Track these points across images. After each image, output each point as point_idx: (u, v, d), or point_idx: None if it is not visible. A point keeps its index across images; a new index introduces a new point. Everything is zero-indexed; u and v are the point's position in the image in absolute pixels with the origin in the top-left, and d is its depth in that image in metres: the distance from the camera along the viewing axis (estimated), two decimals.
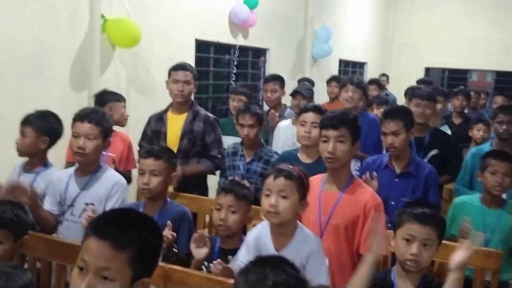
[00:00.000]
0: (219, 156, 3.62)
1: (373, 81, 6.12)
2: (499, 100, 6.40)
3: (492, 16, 9.02)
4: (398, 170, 3.08)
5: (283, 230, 2.09)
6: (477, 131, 4.67)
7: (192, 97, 3.76)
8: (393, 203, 2.90)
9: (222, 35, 5.60)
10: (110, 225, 1.38)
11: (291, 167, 2.13)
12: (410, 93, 4.27)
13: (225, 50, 5.92)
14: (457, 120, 5.54)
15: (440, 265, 2.73)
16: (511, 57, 8.84)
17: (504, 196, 3.28)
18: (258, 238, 2.15)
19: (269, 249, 2.09)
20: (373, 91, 5.72)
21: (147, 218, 1.52)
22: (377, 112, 4.75)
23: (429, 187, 3.04)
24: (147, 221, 1.48)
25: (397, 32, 9.95)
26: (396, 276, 2.01)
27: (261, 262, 1.43)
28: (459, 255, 1.99)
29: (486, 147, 3.81)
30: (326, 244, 2.35)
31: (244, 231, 2.49)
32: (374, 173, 3.00)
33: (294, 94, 4.47)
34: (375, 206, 2.33)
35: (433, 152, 3.73)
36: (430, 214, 1.99)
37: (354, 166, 3.82)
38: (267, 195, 2.06)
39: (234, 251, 2.22)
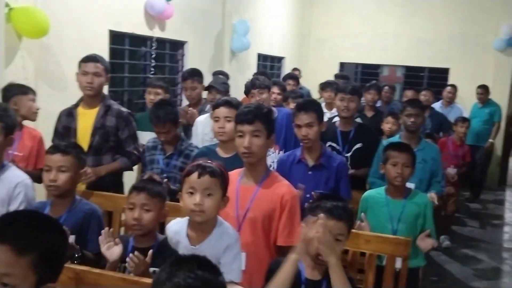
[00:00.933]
0: (135, 152, 3.53)
1: (289, 76, 6.22)
2: (409, 94, 6.74)
3: (401, 13, 9.47)
4: (310, 163, 3.18)
5: (204, 226, 2.08)
6: (386, 124, 4.89)
7: (106, 91, 3.62)
8: (308, 195, 2.98)
9: (138, 27, 5.44)
10: (10, 228, 1.30)
11: (211, 162, 2.11)
12: (335, 87, 4.37)
13: (142, 42, 5.75)
14: (369, 113, 5.78)
15: (353, 254, 2.84)
16: (419, 53, 9.35)
17: (412, 186, 3.48)
18: (175, 233, 2.15)
19: (185, 244, 2.08)
20: (290, 86, 5.82)
21: (51, 219, 1.44)
22: (293, 106, 4.83)
23: (340, 178, 3.15)
24: (50, 222, 1.41)
25: (313, 27, 10.19)
26: (304, 265, 2.05)
27: (175, 261, 1.39)
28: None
29: (396, 139, 4.00)
30: (244, 238, 2.36)
31: (162, 229, 2.43)
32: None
33: (209, 88, 4.44)
34: (291, 199, 2.37)
35: (358, 145, 3.87)
36: (343, 209, 2.05)
37: None
38: (191, 193, 2.03)
39: (147, 250, 2.16)
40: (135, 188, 2.33)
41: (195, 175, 2.03)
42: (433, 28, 9.22)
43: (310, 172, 3.15)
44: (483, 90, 7.81)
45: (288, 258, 1.96)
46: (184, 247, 2.08)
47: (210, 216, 2.05)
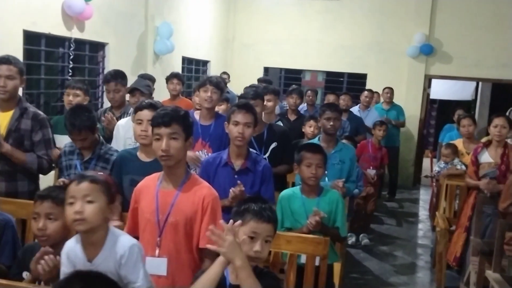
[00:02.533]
0: (46, 158, 3.40)
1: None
2: (331, 98, 6.97)
3: (322, 20, 9.77)
4: (237, 167, 3.19)
5: (93, 238, 1.99)
6: (308, 127, 5.03)
7: (21, 93, 3.46)
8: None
9: (55, 27, 5.22)
10: None
11: (94, 172, 2.04)
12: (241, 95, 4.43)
13: (59, 43, 5.53)
14: (292, 117, 5.92)
15: (275, 254, 2.89)
16: (339, 59, 9.69)
17: (325, 184, 3.61)
18: (70, 251, 2.02)
19: (81, 261, 1.98)
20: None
21: None
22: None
23: (264, 181, 3.20)
24: None
25: (238, 32, 10.28)
26: (230, 270, 2.06)
27: (71, 277, 1.35)
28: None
29: (316, 141, 4.13)
30: (165, 243, 2.33)
31: None
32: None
33: (132, 91, 4.34)
34: (212, 201, 2.37)
35: (273, 145, 3.95)
36: (271, 211, 2.09)
37: None
38: (71, 203, 1.94)
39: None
40: (39, 197, 2.23)
41: (74, 183, 1.96)
42: (352, 36, 9.60)
43: (236, 176, 3.15)
44: (390, 90, 8.29)
45: (217, 259, 1.95)
46: (82, 265, 1.97)
47: (93, 224, 1.94)
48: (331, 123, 4.03)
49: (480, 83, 12.20)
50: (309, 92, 7.26)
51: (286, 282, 2.87)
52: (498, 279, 3.41)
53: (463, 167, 5.11)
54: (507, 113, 7.09)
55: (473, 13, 9.00)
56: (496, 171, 4.24)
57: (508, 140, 4.59)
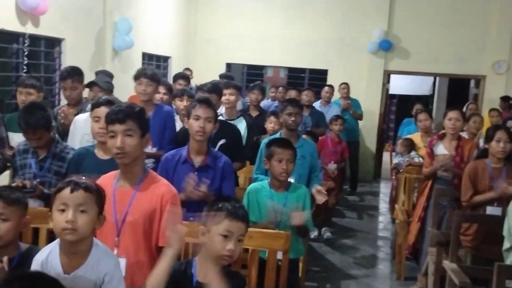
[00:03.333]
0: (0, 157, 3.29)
1: (180, 76, 6.18)
2: (293, 93, 7.01)
3: (285, 16, 9.79)
4: (197, 164, 3.17)
5: (78, 249, 1.91)
6: (269, 123, 5.05)
7: None
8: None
9: (8, 22, 5.04)
10: None
11: (85, 178, 1.97)
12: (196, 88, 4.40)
13: (13, 39, 5.34)
14: (254, 113, 5.92)
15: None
16: (301, 55, 9.75)
17: (292, 180, 3.63)
18: (46, 262, 1.93)
19: (58, 273, 1.89)
20: (180, 86, 5.77)
21: None
22: (180, 104, 4.74)
23: (225, 177, 3.19)
24: None
25: (199, 27, 10.19)
26: (197, 267, 2.05)
27: (11, 279, 1.31)
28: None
29: (277, 136, 4.15)
30: (123, 243, 2.30)
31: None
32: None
33: (90, 85, 4.24)
34: (171, 198, 2.35)
35: (221, 141, 3.93)
36: (245, 211, 2.09)
37: None
38: (63, 210, 1.85)
39: (9, 262, 2.01)
40: None
41: (67, 190, 1.87)
42: (314, 32, 9.66)
43: (196, 173, 3.13)
44: (346, 86, 8.42)
45: (163, 253, 1.95)
46: (57, 276, 1.81)
47: (83, 235, 1.87)
48: (293, 118, 4.05)
49: (437, 78, 12.53)
50: (280, 88, 7.34)
51: (248, 278, 2.87)
52: (454, 268, 3.51)
53: (421, 160, 5.24)
54: (464, 108, 7.33)
55: (430, 10, 9.22)
56: (451, 163, 4.36)
57: (463, 133, 4.74)
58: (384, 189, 8.94)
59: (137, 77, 3.90)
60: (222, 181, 3.18)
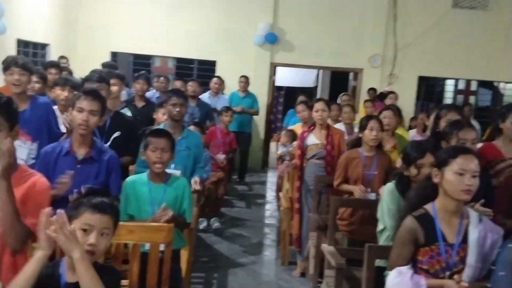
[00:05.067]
0: None
1: (51, 64, 5.79)
2: (178, 84, 6.95)
3: (172, 5, 9.59)
4: (80, 156, 3.04)
5: None
6: (161, 114, 4.96)
7: None
8: (76, 190, 2.81)
9: None
10: None
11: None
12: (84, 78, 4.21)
13: None
14: (139, 103, 5.78)
15: (117, 246, 2.81)
16: (189, 45, 9.62)
17: (178, 172, 3.60)
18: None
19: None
20: (52, 75, 5.43)
21: None
22: (60, 93, 4.46)
23: (111, 172, 3.09)
24: None
25: (82, 13, 9.64)
26: (66, 268, 1.96)
27: None
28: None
29: (162, 127, 4.09)
30: None
31: None
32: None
33: None
34: (41, 192, 2.22)
35: (116, 134, 3.81)
36: (109, 204, 2.01)
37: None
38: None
39: None
40: None
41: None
42: (201, 22, 9.61)
43: (79, 166, 3.01)
44: (245, 79, 8.56)
45: (34, 256, 1.84)
46: None
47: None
48: (177, 109, 4.02)
49: (320, 71, 13.13)
50: (161, 78, 7.19)
51: (129, 273, 2.81)
52: (331, 251, 3.72)
53: None
54: (338, 99, 7.77)
55: (313, 4, 9.62)
56: (323, 151, 4.62)
57: (339, 124, 5.02)
58: (272, 178, 9.20)
59: (7, 67, 3.61)
60: (109, 176, 3.08)
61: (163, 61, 10.35)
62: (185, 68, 10.02)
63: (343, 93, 8.37)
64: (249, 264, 5.13)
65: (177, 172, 3.65)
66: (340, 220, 4.04)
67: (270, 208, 7.34)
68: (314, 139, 4.72)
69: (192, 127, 4.78)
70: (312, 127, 4.79)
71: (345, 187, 4.08)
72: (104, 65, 6.49)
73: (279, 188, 6.32)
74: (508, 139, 3.67)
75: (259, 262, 5.23)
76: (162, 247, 2.86)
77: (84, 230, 1.94)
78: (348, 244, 4.01)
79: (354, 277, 3.59)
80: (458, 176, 2.21)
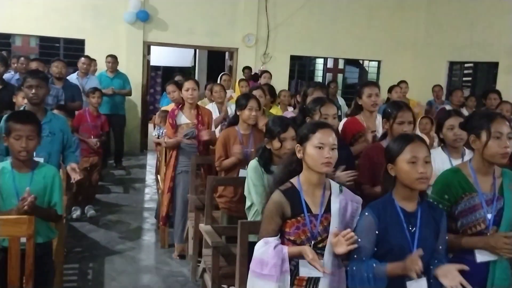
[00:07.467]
0: None
1: None
2: (34, 65, 6.44)
3: None
4: None
5: None
6: (21, 98, 4.59)
7: None
8: None
9: None
10: None
11: None
12: None
13: None
14: None
15: None
16: (52, 22, 8.90)
17: (41, 160, 3.35)
18: None
19: None
20: None
21: None
22: None
23: None
24: None
25: None
26: None
27: None
28: None
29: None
30: None
31: None
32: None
33: None
34: None
35: None
36: None
37: None
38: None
39: None
40: None
41: None
42: None
43: None
44: (113, 59, 8.20)
45: None
46: None
47: None
48: (33, 91, 3.72)
49: (197, 50, 13.03)
50: (22, 59, 6.67)
51: None
52: (208, 230, 3.72)
53: None
54: (218, 79, 7.78)
55: None
56: (195, 131, 4.61)
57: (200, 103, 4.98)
58: (151, 160, 8.99)
59: None
60: None
61: (25, 40, 9.52)
62: (50, 47, 9.30)
63: (223, 73, 8.39)
64: (127, 251, 4.97)
65: (40, 160, 3.39)
66: (220, 197, 4.05)
67: (149, 192, 7.17)
68: (185, 119, 4.69)
69: (56, 111, 4.46)
70: (180, 106, 4.75)
71: (227, 162, 4.08)
72: None
73: (157, 171, 6.19)
74: (367, 112, 3.96)
75: (138, 248, 5.10)
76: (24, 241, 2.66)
77: None
78: (228, 221, 4.04)
79: (232, 254, 3.63)
80: (317, 149, 2.31)
